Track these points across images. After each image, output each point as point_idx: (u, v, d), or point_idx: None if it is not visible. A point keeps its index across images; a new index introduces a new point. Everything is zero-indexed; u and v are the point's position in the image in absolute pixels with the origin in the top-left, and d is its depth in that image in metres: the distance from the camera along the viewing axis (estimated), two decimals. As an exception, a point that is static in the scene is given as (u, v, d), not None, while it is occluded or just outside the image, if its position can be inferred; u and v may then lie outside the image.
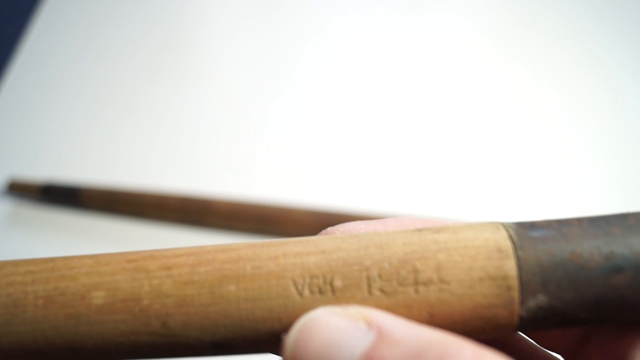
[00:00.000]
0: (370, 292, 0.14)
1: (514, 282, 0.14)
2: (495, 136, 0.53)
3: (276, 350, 0.14)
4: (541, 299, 0.14)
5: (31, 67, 0.59)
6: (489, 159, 0.51)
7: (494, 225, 0.15)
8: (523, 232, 0.15)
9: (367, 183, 0.49)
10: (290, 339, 0.14)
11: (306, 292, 0.14)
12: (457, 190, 0.49)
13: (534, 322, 0.14)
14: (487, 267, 0.14)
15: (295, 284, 0.14)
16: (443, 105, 0.55)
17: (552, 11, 0.63)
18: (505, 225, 0.15)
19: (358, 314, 0.14)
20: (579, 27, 0.61)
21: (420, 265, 0.14)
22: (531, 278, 0.14)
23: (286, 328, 0.14)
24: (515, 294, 0.14)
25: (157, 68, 0.59)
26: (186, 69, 0.59)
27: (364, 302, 0.14)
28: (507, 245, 0.14)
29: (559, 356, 0.18)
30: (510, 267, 0.14)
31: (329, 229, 0.17)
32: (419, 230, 0.15)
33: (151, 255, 0.15)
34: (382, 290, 0.14)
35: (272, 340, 0.14)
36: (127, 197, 0.47)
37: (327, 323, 0.13)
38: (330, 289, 0.14)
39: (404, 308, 0.14)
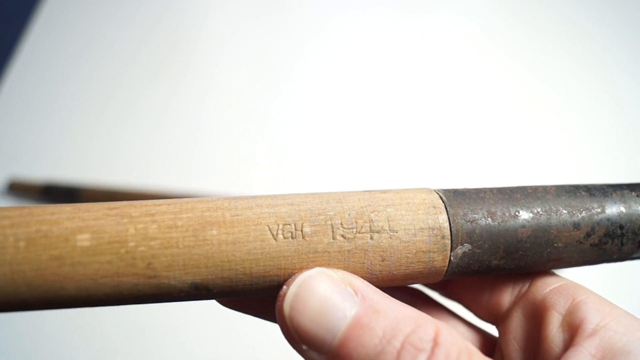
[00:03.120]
0: (334, 237, 0.16)
1: (447, 232, 0.17)
2: (495, 135, 0.53)
3: (250, 289, 0.16)
4: (467, 247, 0.17)
5: (31, 67, 0.59)
6: (489, 159, 0.51)
7: (426, 189, 0.18)
8: (449, 195, 0.18)
9: (369, 183, 0.49)
10: (290, 292, 0.15)
11: (280, 236, 0.16)
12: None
13: (459, 267, 0.17)
14: (426, 219, 0.17)
15: (270, 229, 0.16)
16: (443, 104, 0.55)
17: (552, 11, 0.63)
18: (435, 190, 0.18)
19: (345, 278, 0.16)
20: (578, 26, 0.61)
21: (375, 217, 0.16)
22: (459, 229, 0.17)
23: (261, 270, 0.15)
24: (447, 242, 0.17)
25: (157, 68, 0.59)
26: (186, 69, 0.59)
27: (328, 246, 0.16)
28: (439, 203, 0.17)
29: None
30: (443, 220, 0.17)
31: None
32: (368, 191, 0.17)
33: (131, 204, 0.15)
34: (343, 237, 0.16)
35: (246, 282, 0.16)
36: (127, 197, 0.47)
37: (323, 282, 0.15)
38: (301, 234, 0.16)
39: (361, 252, 0.16)
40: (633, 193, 0.18)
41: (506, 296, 0.19)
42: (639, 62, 0.58)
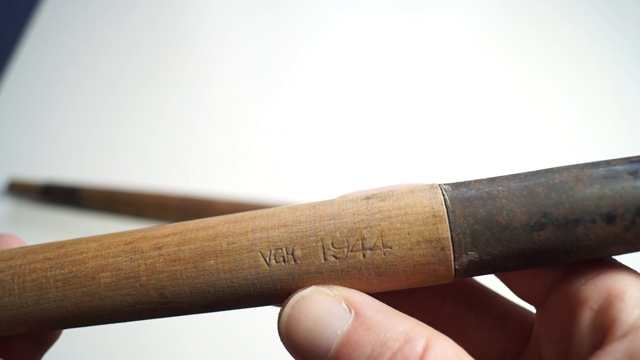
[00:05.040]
0: (325, 258, 0.16)
1: (448, 243, 0.16)
2: (495, 134, 0.53)
3: (255, 304, 0.17)
4: (472, 255, 0.16)
5: (31, 67, 0.59)
6: (489, 160, 0.51)
7: (432, 189, 0.17)
8: (456, 194, 0.17)
9: (372, 179, 0.49)
10: (284, 314, 0.16)
11: (273, 261, 0.17)
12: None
13: (469, 273, 0.16)
14: (424, 231, 0.16)
15: (263, 255, 0.17)
16: (442, 104, 0.55)
17: (551, 8, 0.63)
18: (441, 187, 0.17)
19: (340, 295, 0.16)
20: (577, 24, 0.61)
21: (367, 233, 0.16)
22: (462, 238, 0.16)
23: (259, 291, 0.17)
24: (449, 253, 0.16)
25: (156, 68, 0.59)
26: (185, 69, 0.59)
27: (321, 267, 0.16)
28: (441, 210, 0.16)
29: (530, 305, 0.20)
30: (443, 230, 0.16)
31: None
32: (367, 198, 0.17)
33: (144, 236, 0.18)
34: (335, 257, 0.16)
35: (250, 300, 0.17)
36: (127, 197, 0.47)
37: (315, 302, 0.16)
38: (293, 258, 0.16)
39: (355, 270, 0.16)
40: None
41: (544, 282, 0.18)
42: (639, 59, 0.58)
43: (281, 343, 0.16)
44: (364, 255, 0.16)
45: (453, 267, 0.16)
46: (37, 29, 0.62)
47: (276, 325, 0.16)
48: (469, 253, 0.16)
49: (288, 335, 0.16)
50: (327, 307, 0.16)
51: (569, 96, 0.55)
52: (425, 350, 0.14)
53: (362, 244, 0.16)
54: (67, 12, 0.64)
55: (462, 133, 0.53)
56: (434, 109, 0.55)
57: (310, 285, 0.16)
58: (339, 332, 0.15)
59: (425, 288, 0.21)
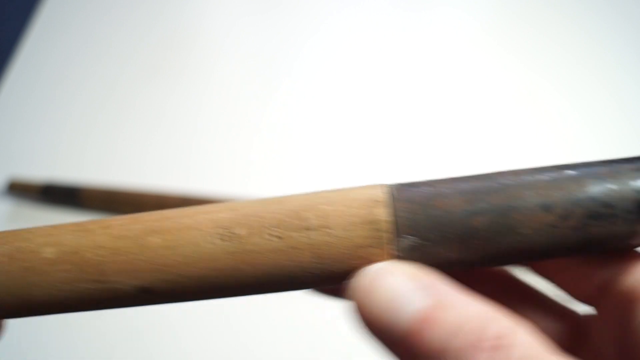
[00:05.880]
0: (267, 237, 0.17)
1: (386, 226, 0.16)
2: (495, 134, 0.53)
3: (194, 289, 0.17)
4: (412, 239, 0.16)
5: (31, 67, 0.59)
6: (489, 160, 0.51)
7: (378, 185, 0.17)
8: (401, 185, 0.17)
9: (378, 181, 0.49)
10: (359, 283, 0.16)
11: (216, 240, 0.17)
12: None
13: (408, 260, 0.16)
14: (364, 214, 0.16)
15: (206, 234, 0.17)
16: (442, 104, 0.55)
17: (551, 8, 0.63)
18: (386, 184, 0.17)
19: (416, 272, 0.16)
20: (577, 24, 0.61)
21: (310, 215, 0.17)
22: (401, 221, 0.16)
23: (197, 272, 0.17)
24: (387, 235, 0.16)
25: (155, 67, 0.59)
26: (185, 68, 0.59)
27: (261, 246, 0.17)
28: (382, 197, 0.17)
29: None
30: (383, 213, 0.16)
31: None
32: (317, 191, 0.17)
33: (96, 220, 0.18)
34: (277, 236, 0.17)
35: (185, 284, 0.17)
36: (127, 197, 0.47)
37: (393, 276, 0.16)
38: (235, 237, 0.17)
39: (293, 249, 0.16)
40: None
41: (598, 279, 0.18)
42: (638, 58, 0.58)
43: (349, 316, 0.16)
44: (304, 236, 0.16)
45: (391, 252, 0.16)
46: (37, 29, 0.62)
47: (348, 295, 0.16)
48: (409, 237, 0.16)
49: (362, 307, 0.15)
50: (406, 281, 0.15)
51: (569, 96, 0.55)
52: (503, 335, 0.14)
53: (305, 225, 0.17)
54: (67, 12, 0.64)
55: (462, 133, 0.53)
56: (434, 109, 0.55)
57: (252, 267, 0.16)
58: (415, 309, 0.15)
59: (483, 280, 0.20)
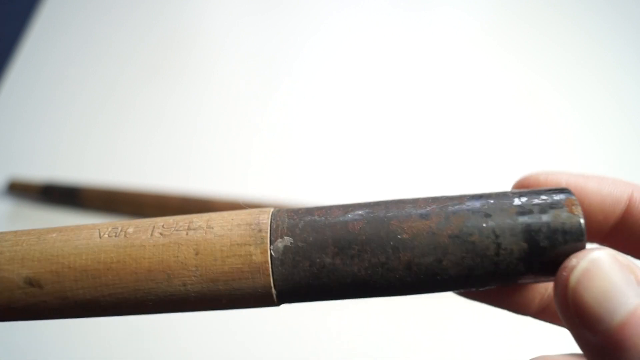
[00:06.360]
0: (152, 234, 0.18)
1: (266, 227, 0.17)
2: (495, 134, 0.53)
3: (77, 281, 0.18)
4: (288, 240, 0.17)
5: (31, 67, 0.59)
6: (489, 159, 0.51)
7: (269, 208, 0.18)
8: (288, 208, 0.18)
9: (378, 182, 0.49)
10: (579, 267, 0.16)
11: (105, 235, 0.18)
12: (457, 188, 0.49)
13: (287, 268, 0.17)
14: (247, 218, 0.18)
15: (99, 231, 0.18)
16: (442, 104, 0.55)
17: (551, 8, 0.63)
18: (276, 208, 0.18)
19: (630, 266, 0.16)
20: (577, 24, 0.61)
21: (196, 219, 0.18)
22: (280, 224, 0.17)
23: (84, 262, 0.17)
24: (265, 235, 0.17)
25: (155, 67, 0.59)
26: (185, 69, 0.59)
27: (145, 241, 0.18)
28: (268, 210, 0.18)
29: None
30: (264, 217, 0.17)
31: (532, 173, 0.20)
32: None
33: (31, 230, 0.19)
34: (161, 234, 0.18)
35: (70, 277, 0.17)
36: (127, 197, 0.47)
37: (612, 265, 0.15)
38: (124, 234, 0.18)
39: (175, 244, 0.17)
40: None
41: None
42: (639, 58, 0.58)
43: (556, 300, 0.16)
44: (186, 234, 0.18)
45: (268, 251, 0.17)
46: (37, 29, 0.62)
47: (559, 278, 0.16)
48: (285, 237, 0.17)
49: (576, 291, 0.15)
50: (623, 272, 0.15)
51: (569, 96, 0.55)
52: None
53: (189, 226, 0.18)
54: (67, 12, 0.64)
55: (462, 133, 0.53)
56: (434, 109, 0.55)
57: (144, 260, 0.17)
58: (631, 301, 0.15)
59: None
